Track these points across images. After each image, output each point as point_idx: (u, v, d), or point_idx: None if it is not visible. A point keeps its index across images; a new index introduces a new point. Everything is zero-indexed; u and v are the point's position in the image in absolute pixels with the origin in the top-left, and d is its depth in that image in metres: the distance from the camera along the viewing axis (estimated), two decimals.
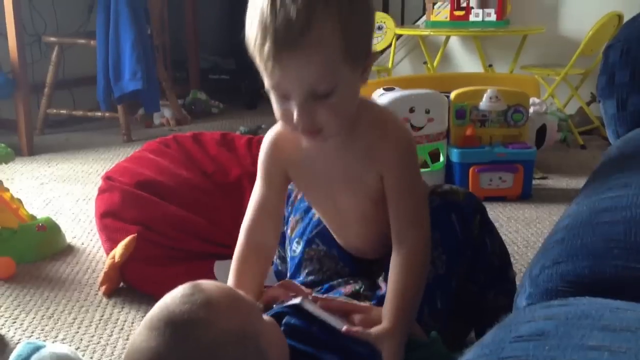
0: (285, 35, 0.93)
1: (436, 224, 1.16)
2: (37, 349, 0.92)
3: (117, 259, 1.65)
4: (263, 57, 0.96)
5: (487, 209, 1.30)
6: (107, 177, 1.84)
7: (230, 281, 1.16)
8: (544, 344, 0.44)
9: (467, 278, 1.24)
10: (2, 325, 1.57)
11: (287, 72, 0.97)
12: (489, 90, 2.38)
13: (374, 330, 1.04)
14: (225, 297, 0.94)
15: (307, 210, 1.31)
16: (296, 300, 1.09)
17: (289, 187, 1.27)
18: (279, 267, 1.42)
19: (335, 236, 1.27)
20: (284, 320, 1.07)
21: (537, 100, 2.67)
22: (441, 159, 2.41)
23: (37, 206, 2.40)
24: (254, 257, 1.18)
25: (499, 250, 1.29)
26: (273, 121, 1.15)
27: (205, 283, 0.96)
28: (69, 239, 2.10)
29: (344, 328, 1.03)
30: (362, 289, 1.19)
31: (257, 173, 1.19)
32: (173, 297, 0.93)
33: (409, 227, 1.10)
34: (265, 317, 1.00)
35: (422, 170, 2.37)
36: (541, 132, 2.67)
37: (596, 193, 0.75)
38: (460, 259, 1.21)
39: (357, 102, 1.07)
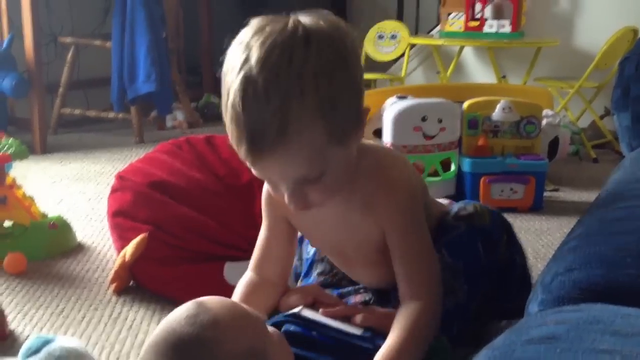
0: (260, 139, 0.88)
1: (460, 252, 1.13)
2: (47, 342, 0.92)
3: (127, 257, 1.66)
4: (241, 156, 0.93)
5: None
6: (120, 177, 1.86)
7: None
8: (555, 347, 0.44)
9: (497, 299, 1.20)
10: (12, 320, 1.58)
11: (269, 170, 0.94)
12: (502, 101, 2.38)
13: None
14: (231, 315, 0.90)
15: None
16: (295, 310, 1.10)
17: None
18: (298, 270, 1.42)
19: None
20: (282, 328, 1.07)
21: (550, 112, 2.67)
22: (452, 168, 2.41)
23: (49, 204, 2.42)
24: (259, 290, 1.16)
25: (523, 262, 1.28)
26: None
27: (210, 301, 0.92)
28: (80, 237, 2.11)
29: None
30: (371, 300, 1.18)
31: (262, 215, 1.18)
32: (178, 318, 0.88)
33: (413, 294, 1.03)
34: (270, 328, 0.98)
35: (433, 179, 2.37)
36: (553, 144, 2.66)
37: (610, 203, 0.75)
38: (481, 284, 1.16)
39: (353, 165, 1.01)
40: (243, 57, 0.90)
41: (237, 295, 1.15)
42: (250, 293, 1.14)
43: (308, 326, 1.06)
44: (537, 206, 2.36)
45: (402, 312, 1.03)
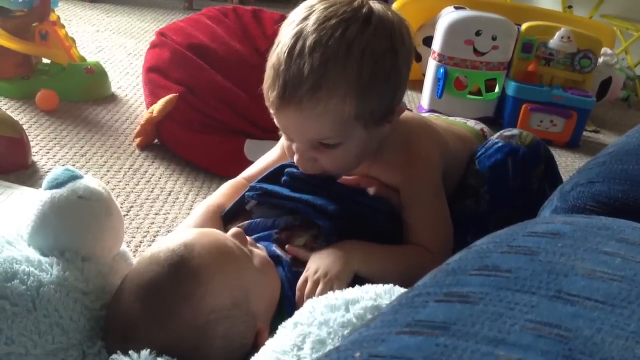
0: (292, 90, 0.91)
1: (488, 161, 1.15)
2: (75, 178, 0.89)
3: (155, 113, 1.67)
4: (268, 102, 0.96)
5: None
6: (161, 33, 1.84)
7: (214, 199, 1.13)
8: (557, 241, 0.43)
9: None
10: (36, 153, 1.61)
11: (289, 123, 0.96)
12: (562, 29, 2.28)
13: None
14: (215, 264, 0.83)
15: None
16: None
17: None
18: None
19: None
20: (285, 170, 1.06)
21: (609, 51, 2.56)
22: (497, 89, 2.35)
23: (89, 51, 2.42)
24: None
25: None
26: None
27: (198, 242, 0.84)
28: (114, 88, 2.12)
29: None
30: None
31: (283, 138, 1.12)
32: (160, 261, 0.81)
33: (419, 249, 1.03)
34: (255, 259, 0.91)
35: (474, 97, 2.31)
36: (605, 84, 2.57)
37: None
38: (505, 204, 1.15)
39: (369, 151, 1.03)
40: (303, 15, 0.94)
41: (223, 190, 1.15)
42: (238, 191, 1.13)
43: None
44: (574, 143, 2.31)
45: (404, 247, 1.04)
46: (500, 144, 1.16)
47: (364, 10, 0.94)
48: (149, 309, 0.79)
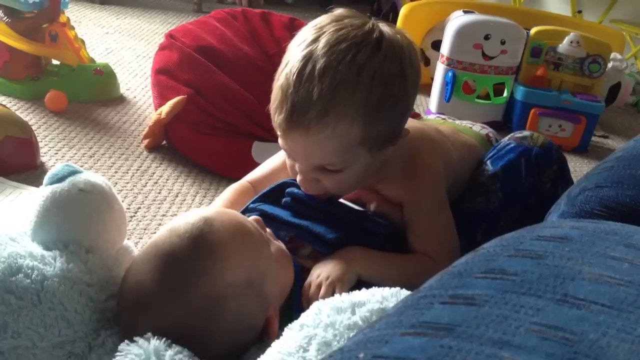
0: (300, 114, 0.89)
1: (501, 160, 1.15)
2: (74, 173, 0.90)
3: (163, 115, 1.67)
4: (275, 123, 0.95)
5: None
6: (170, 35, 1.84)
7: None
8: (565, 245, 0.43)
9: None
10: (45, 154, 1.62)
11: (295, 146, 0.95)
12: (571, 34, 2.28)
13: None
14: (233, 241, 0.84)
15: None
16: None
17: None
18: None
19: None
20: (287, 190, 1.05)
21: (618, 56, 2.55)
22: (505, 94, 2.34)
23: (98, 53, 2.43)
24: (251, 195, 1.13)
25: None
26: None
27: (217, 220, 0.85)
28: (123, 90, 2.13)
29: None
30: None
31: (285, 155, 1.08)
32: (180, 234, 0.82)
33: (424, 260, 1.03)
34: (272, 246, 0.92)
35: (482, 102, 2.31)
36: (614, 90, 2.56)
37: None
38: (517, 203, 1.16)
39: (371, 173, 1.02)
40: (313, 36, 0.92)
41: (227, 195, 1.15)
42: (242, 195, 1.13)
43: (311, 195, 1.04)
44: (582, 148, 2.30)
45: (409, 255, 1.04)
46: (512, 145, 1.17)
47: (374, 35, 0.92)
48: (166, 280, 0.80)
